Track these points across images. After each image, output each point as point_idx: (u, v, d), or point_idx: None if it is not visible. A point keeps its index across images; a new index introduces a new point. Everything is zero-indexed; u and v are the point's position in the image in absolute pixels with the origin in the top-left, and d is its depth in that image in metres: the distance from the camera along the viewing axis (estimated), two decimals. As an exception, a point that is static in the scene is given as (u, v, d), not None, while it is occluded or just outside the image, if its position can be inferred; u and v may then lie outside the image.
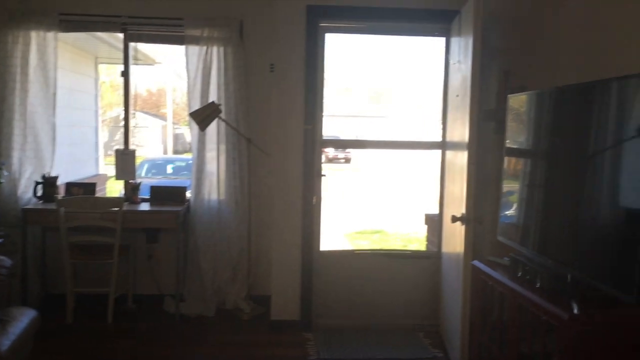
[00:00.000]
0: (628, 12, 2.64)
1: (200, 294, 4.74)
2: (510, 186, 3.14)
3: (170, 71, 16.22)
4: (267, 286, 4.61)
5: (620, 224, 2.17)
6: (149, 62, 8.04)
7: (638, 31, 2.56)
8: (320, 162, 4.52)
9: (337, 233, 9.33)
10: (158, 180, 9.16)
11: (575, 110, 2.56)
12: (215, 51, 4.69)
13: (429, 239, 5.29)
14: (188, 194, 4.90)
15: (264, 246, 4.80)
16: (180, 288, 4.68)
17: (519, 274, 2.66)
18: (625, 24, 2.66)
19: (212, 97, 4.70)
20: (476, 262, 3.05)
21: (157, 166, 10.35)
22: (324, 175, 4.51)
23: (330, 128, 4.70)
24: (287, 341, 4.20)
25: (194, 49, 4.70)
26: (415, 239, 9.18)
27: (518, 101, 3.12)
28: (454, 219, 3.53)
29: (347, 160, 18.02)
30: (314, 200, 4.43)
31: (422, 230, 5.88)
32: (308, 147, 4.36)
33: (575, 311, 2.12)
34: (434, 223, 4.81)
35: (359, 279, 4.54)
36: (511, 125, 3.18)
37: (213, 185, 4.78)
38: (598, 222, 2.30)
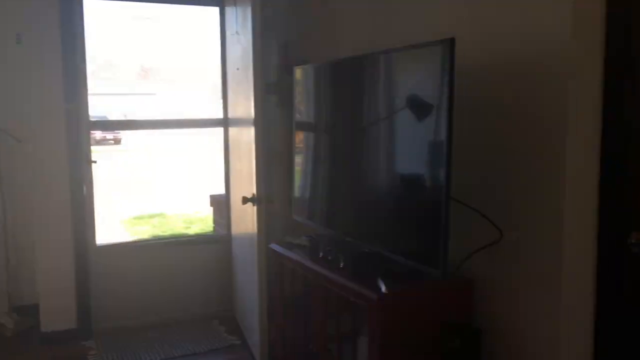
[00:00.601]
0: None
1: (-55, 315, 3.91)
2: (301, 161, 3.03)
3: None
4: (33, 294, 3.96)
5: (403, 195, 2.16)
6: None
7: (411, 1, 2.58)
8: (89, 147, 3.98)
9: (114, 222, 8.61)
10: None
11: (351, 83, 2.52)
12: (-59, 18, 3.82)
13: (216, 221, 5.05)
14: None
15: (26, 248, 4.11)
16: None
17: (321, 254, 2.56)
18: (403, -6, 2.67)
19: (-59, 74, 3.83)
20: (273, 245, 2.89)
21: None
22: (95, 162, 3.99)
23: (97, 108, 4.16)
24: (64, 355, 3.66)
25: None
26: (198, 220, 8.88)
27: (299, 74, 3.01)
28: (245, 200, 3.33)
29: (117, 141, 16.80)
30: (85, 189, 3.90)
31: (206, 211, 5.64)
32: (73, 130, 3.79)
33: (383, 290, 2.06)
34: (221, 204, 4.59)
35: (144, 272, 4.14)
36: (297, 98, 3.06)
37: (-48, 181, 3.94)
38: (389, 197, 2.28)
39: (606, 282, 2.02)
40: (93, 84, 4.13)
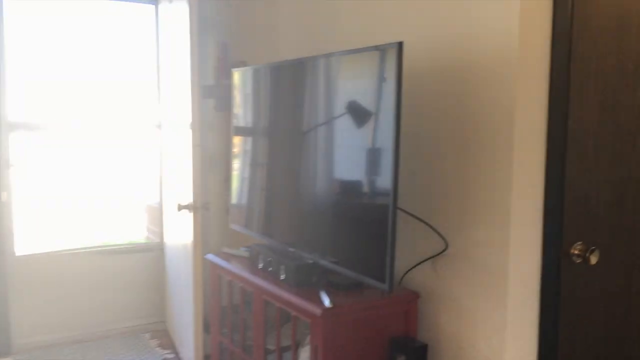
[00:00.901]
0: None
1: None
2: (240, 167, 2.90)
3: None
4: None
5: (348, 204, 2.08)
6: None
7: (355, 5, 2.51)
8: (8, 150, 3.70)
9: (38, 231, 8.13)
10: None
11: (290, 87, 2.43)
12: None
13: (149, 229, 4.83)
14: None
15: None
16: None
17: (260, 265, 2.43)
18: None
19: None
20: (210, 256, 2.75)
21: None
22: (13, 166, 3.72)
23: (20, 107, 3.92)
24: (-21, 374, 3.38)
25: None
26: (132, 228, 8.52)
27: (238, 77, 2.88)
28: (181, 207, 3.16)
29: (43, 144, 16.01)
30: (4, 196, 3.62)
31: (140, 218, 5.39)
32: (-10, 131, 3.52)
33: (327, 304, 1.96)
34: (154, 211, 4.38)
35: (69, 283, 3.89)
36: (236, 102, 2.94)
37: None
38: (332, 205, 2.19)
39: (550, 292, 2.00)
40: (19, 82, 3.87)
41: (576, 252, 2.01)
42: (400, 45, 1.82)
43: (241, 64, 3.43)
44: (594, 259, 2.00)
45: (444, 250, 2.11)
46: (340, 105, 2.15)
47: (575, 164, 1.98)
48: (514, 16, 1.84)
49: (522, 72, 1.86)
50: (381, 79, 1.93)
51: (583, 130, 1.98)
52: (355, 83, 2.10)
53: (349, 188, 2.14)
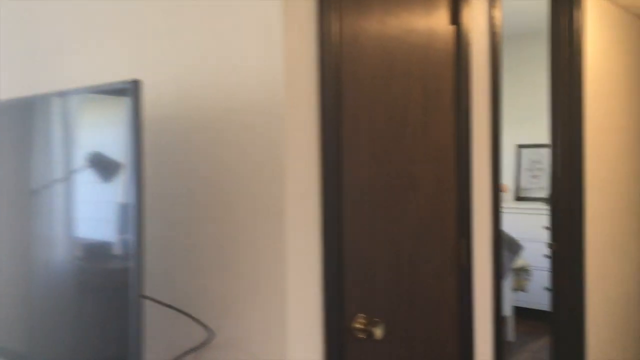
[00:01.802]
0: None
1: None
2: None
3: None
4: None
5: (82, 292, 1.57)
6: None
7: (87, 38, 2.04)
8: None
9: None
10: None
11: (14, 133, 1.84)
12: None
13: None
14: None
15: None
16: None
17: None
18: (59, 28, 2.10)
19: None
20: None
21: None
22: None
23: None
24: None
25: None
26: None
27: None
28: None
29: None
30: None
31: None
32: None
33: None
34: None
35: None
36: None
37: None
38: (63, 292, 1.64)
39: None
40: None
41: (359, 326, 1.75)
42: (136, 84, 1.39)
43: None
44: (378, 333, 1.75)
45: (208, 341, 1.68)
46: (58, 164, 1.63)
47: (351, 227, 1.73)
48: (278, 61, 1.54)
49: (291, 124, 1.57)
50: (114, 124, 1.47)
51: (359, 188, 1.76)
52: (79, 131, 1.60)
53: (83, 271, 1.61)
